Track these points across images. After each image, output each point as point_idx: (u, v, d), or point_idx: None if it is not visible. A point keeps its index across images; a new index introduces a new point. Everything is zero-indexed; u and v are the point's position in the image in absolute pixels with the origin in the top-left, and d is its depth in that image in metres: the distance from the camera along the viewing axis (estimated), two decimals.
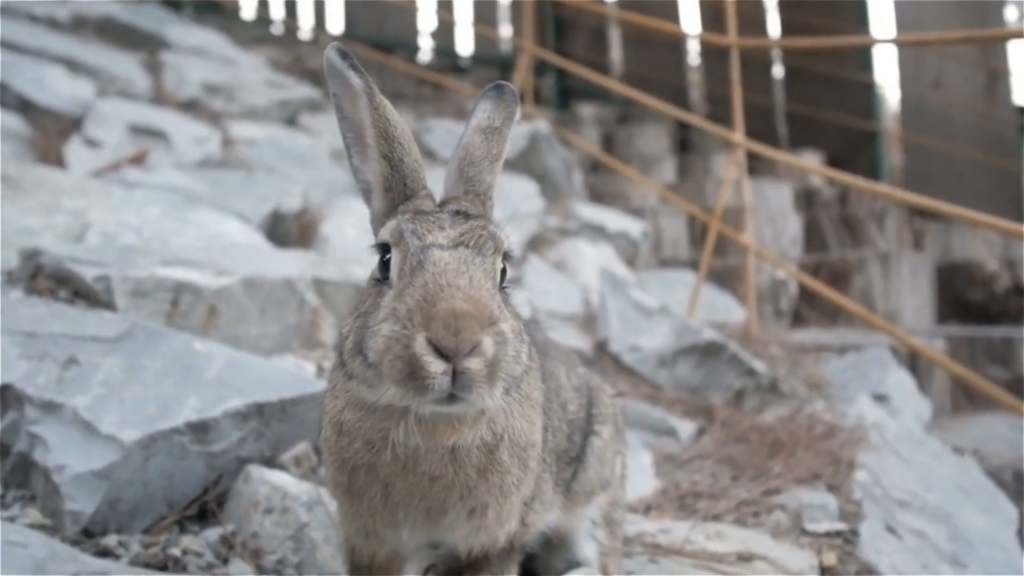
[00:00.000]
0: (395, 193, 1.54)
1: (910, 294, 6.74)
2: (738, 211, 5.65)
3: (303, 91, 7.15)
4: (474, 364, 1.27)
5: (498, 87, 1.67)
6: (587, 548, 2.04)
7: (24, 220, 3.36)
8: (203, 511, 2.19)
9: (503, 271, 1.47)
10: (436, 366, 1.26)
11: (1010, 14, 9.55)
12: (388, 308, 1.34)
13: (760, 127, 8.70)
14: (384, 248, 1.45)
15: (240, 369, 2.45)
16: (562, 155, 6.86)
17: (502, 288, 1.47)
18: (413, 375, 1.27)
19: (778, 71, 10.46)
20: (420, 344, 1.27)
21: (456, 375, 1.26)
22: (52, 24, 6.59)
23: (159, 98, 6.00)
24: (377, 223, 1.55)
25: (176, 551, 2.00)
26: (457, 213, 1.46)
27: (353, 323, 1.44)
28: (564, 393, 1.91)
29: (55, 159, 4.57)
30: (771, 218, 7.36)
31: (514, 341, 1.34)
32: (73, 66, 5.66)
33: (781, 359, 4.66)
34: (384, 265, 1.44)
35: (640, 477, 2.94)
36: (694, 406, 3.85)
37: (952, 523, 3.01)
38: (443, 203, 1.55)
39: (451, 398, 1.29)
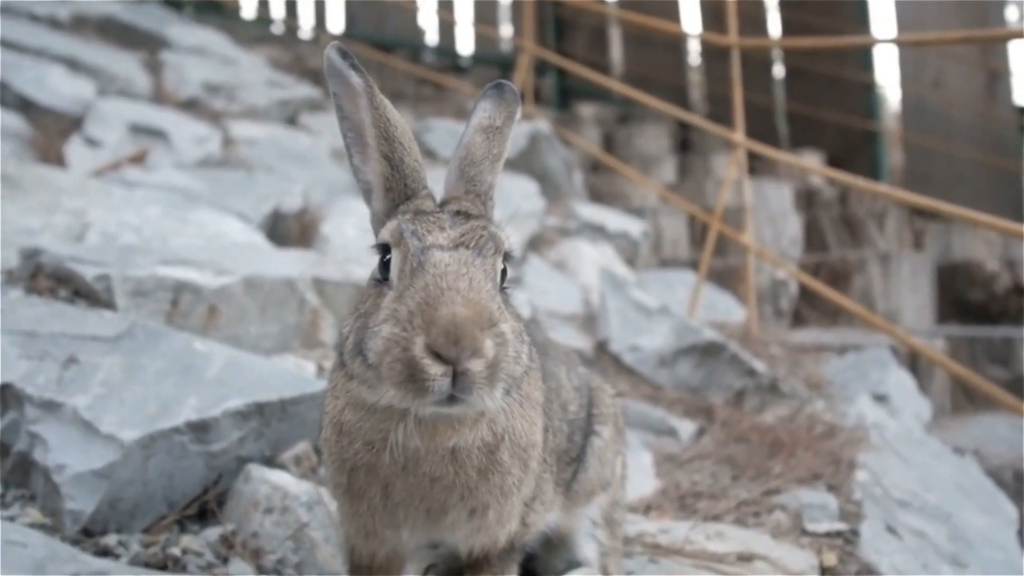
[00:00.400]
0: (396, 193, 1.53)
1: (910, 294, 6.74)
2: (738, 211, 5.65)
3: (303, 90, 7.15)
4: (474, 366, 1.27)
5: (498, 86, 1.67)
6: (587, 548, 2.04)
7: (24, 219, 3.36)
8: (203, 511, 2.19)
9: (503, 271, 1.46)
10: (436, 368, 1.26)
11: (1011, 14, 9.55)
12: (388, 309, 1.34)
13: (760, 127, 8.69)
14: (384, 248, 1.45)
15: (240, 369, 2.45)
16: (562, 155, 6.86)
17: (503, 289, 1.46)
18: (413, 377, 1.27)
19: (779, 71, 10.47)
20: (420, 347, 1.27)
21: (456, 377, 1.26)
22: (53, 23, 6.59)
23: (159, 97, 6.00)
24: (377, 223, 1.54)
25: (176, 551, 2.00)
26: (458, 213, 1.46)
27: (353, 324, 1.44)
28: (565, 393, 1.90)
29: (55, 158, 4.56)
30: (771, 218, 7.35)
31: (514, 342, 1.34)
32: (73, 65, 5.66)
33: (781, 359, 4.65)
34: (384, 266, 1.43)
35: (640, 477, 2.94)
36: (694, 406, 3.85)
37: (952, 523, 3.01)
38: (444, 203, 1.54)
39: (451, 399, 1.28)
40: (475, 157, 1.59)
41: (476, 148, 1.59)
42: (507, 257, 1.47)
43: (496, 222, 1.55)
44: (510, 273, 1.51)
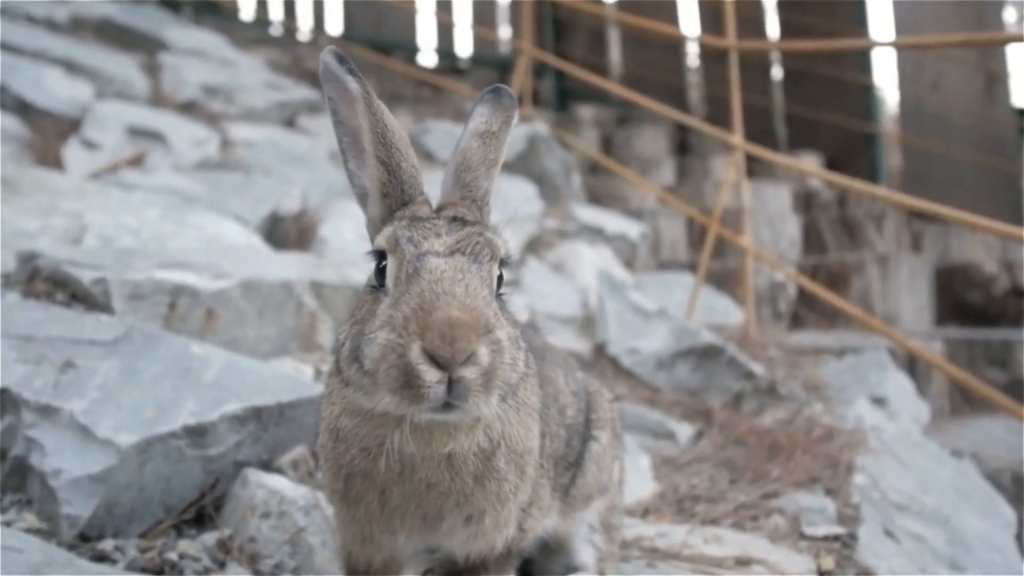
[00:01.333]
0: (392, 199, 1.53)
1: (908, 296, 6.74)
2: (737, 213, 5.65)
3: (302, 92, 7.15)
4: (470, 372, 1.27)
5: (495, 91, 1.66)
6: (585, 553, 2.04)
7: (22, 222, 3.35)
8: (200, 515, 2.19)
9: (500, 278, 1.46)
10: (431, 375, 1.26)
11: (1008, 16, 9.56)
12: (384, 316, 1.34)
13: (759, 129, 8.70)
14: (380, 255, 1.44)
15: (238, 372, 2.44)
16: (561, 157, 6.86)
17: (499, 295, 1.46)
18: (408, 384, 1.27)
19: (777, 73, 10.47)
20: (415, 353, 1.26)
21: (452, 383, 1.26)
22: (50, 25, 6.59)
23: (157, 99, 5.99)
24: (373, 228, 1.54)
25: (173, 555, 2.00)
26: (454, 219, 1.46)
27: (349, 330, 1.43)
28: (562, 398, 1.90)
29: (53, 161, 4.56)
30: (770, 220, 7.35)
31: (510, 348, 1.34)
32: (71, 67, 5.65)
33: (779, 361, 4.65)
34: (380, 272, 1.43)
35: (638, 480, 2.93)
36: (692, 409, 3.85)
37: (950, 526, 3.00)
38: (440, 209, 1.54)
39: (447, 406, 1.28)
40: (471, 163, 1.58)
41: (472, 154, 1.59)
42: (503, 263, 1.47)
43: (493, 227, 1.54)
44: (507, 278, 1.50)
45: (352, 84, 1.50)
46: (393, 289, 1.38)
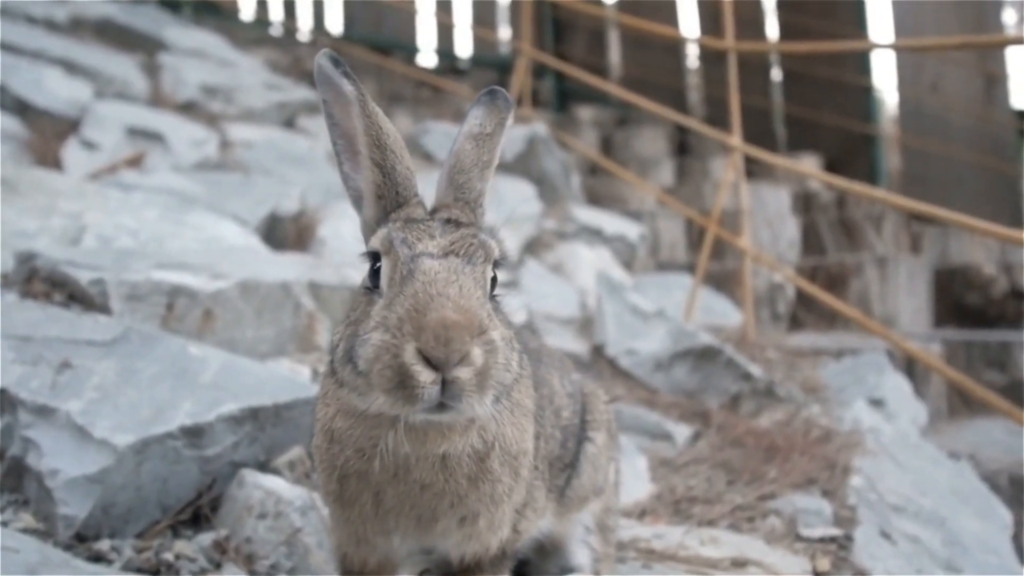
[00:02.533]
0: (387, 201, 1.53)
1: (907, 298, 6.74)
2: (736, 214, 5.65)
3: (301, 93, 7.15)
4: (463, 373, 1.27)
5: (491, 92, 1.66)
6: (580, 554, 2.04)
7: (20, 222, 3.35)
8: (197, 516, 2.19)
9: (494, 279, 1.47)
10: (425, 375, 1.26)
11: (1008, 17, 9.56)
12: (378, 317, 1.34)
13: (758, 130, 8.71)
14: (375, 256, 1.45)
15: (235, 373, 2.45)
16: (560, 158, 6.87)
17: (493, 296, 1.46)
18: (402, 384, 1.27)
19: (776, 74, 10.47)
20: (409, 354, 1.27)
21: (446, 384, 1.26)
22: (50, 25, 6.59)
23: (157, 100, 6.00)
24: (368, 230, 1.54)
25: (169, 556, 2.00)
26: (448, 221, 1.46)
27: (344, 331, 1.44)
28: (558, 400, 1.90)
29: (52, 161, 4.57)
30: (769, 221, 7.36)
31: (504, 349, 1.34)
32: (71, 67, 5.66)
33: (778, 363, 4.66)
34: (375, 274, 1.43)
35: (635, 481, 2.93)
36: (690, 410, 3.85)
37: (947, 528, 3.01)
38: (434, 211, 1.54)
39: (441, 407, 1.29)
40: (464, 165, 1.59)
41: (466, 156, 1.59)
42: (497, 264, 1.48)
43: (488, 229, 1.55)
44: (502, 279, 1.51)
45: (346, 87, 1.50)
46: (387, 290, 1.39)
